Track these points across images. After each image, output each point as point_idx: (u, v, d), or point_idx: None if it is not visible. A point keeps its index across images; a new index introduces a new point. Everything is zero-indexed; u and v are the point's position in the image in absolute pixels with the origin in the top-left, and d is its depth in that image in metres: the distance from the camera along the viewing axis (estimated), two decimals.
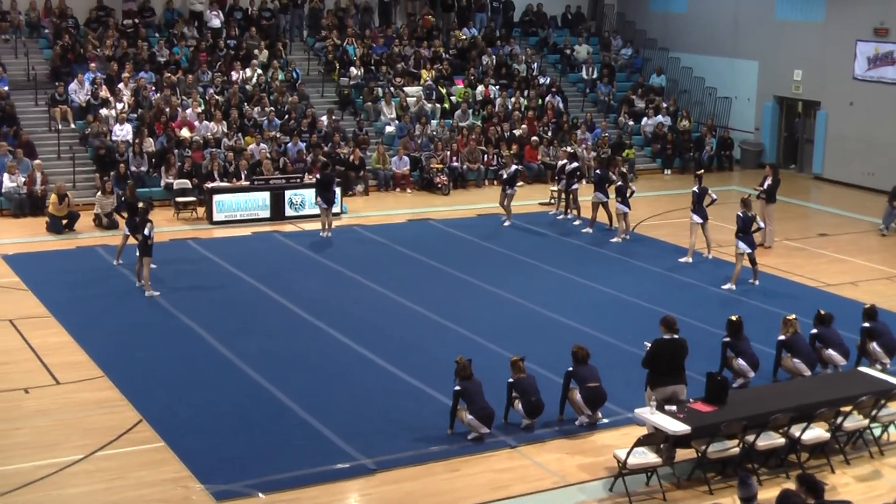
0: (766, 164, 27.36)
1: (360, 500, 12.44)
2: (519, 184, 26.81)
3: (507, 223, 25.18)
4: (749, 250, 20.44)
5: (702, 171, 24.05)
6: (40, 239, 23.40)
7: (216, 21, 32.92)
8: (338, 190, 25.21)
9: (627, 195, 23.69)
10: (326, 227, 23.91)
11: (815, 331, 16.15)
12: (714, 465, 12.92)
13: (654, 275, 21.58)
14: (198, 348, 17.00)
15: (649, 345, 13.43)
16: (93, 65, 29.59)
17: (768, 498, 10.96)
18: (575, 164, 25.66)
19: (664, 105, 34.87)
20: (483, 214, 26.49)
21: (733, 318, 15.56)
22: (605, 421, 14.40)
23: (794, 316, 15.97)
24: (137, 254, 19.70)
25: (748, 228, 20.37)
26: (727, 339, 15.47)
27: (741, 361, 15.37)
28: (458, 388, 13.78)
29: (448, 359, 16.62)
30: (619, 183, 23.98)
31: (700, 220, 22.18)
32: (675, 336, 13.32)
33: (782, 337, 15.67)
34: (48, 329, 17.75)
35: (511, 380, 14.14)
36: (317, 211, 24.30)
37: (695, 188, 22.38)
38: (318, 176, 24.59)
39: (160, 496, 12.21)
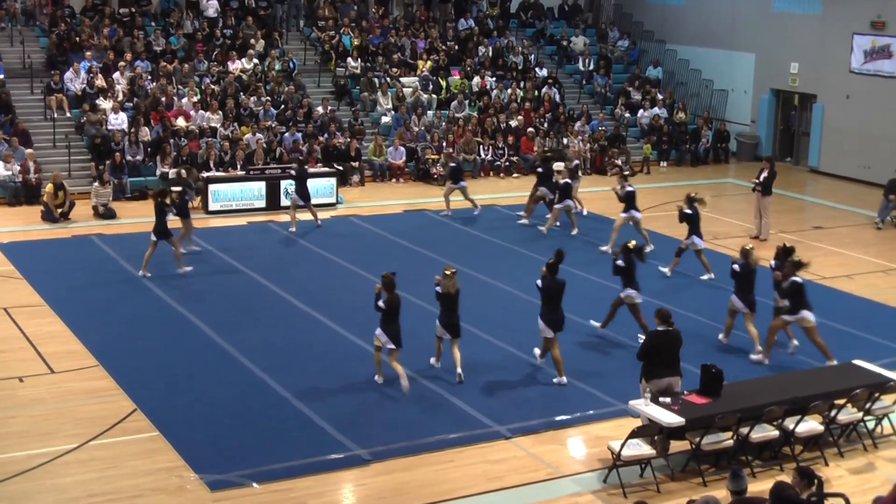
0: (762, 156, 27.44)
1: (355, 491, 12.45)
2: (514, 175, 26.68)
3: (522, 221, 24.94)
4: (703, 245, 20.49)
5: (627, 172, 24.15)
6: (35, 228, 23.37)
7: (212, 10, 32.87)
8: (331, 182, 25.08)
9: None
10: (301, 220, 23.54)
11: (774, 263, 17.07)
12: (708, 457, 12.94)
13: (648, 267, 21.52)
14: (192, 338, 17.00)
15: (642, 336, 13.46)
16: (88, 53, 29.53)
17: (762, 490, 11.00)
18: (567, 181, 24.76)
19: (660, 97, 34.86)
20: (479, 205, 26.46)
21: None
22: (594, 413, 14.44)
23: (751, 246, 17.02)
24: (181, 228, 20.61)
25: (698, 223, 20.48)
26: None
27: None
28: (380, 304, 14.72)
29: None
30: (567, 180, 23.67)
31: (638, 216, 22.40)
32: (670, 328, 13.35)
33: (736, 266, 16.57)
34: (43, 318, 17.74)
35: (438, 289, 15.18)
36: (313, 202, 24.17)
37: (622, 188, 22.34)
38: (293, 171, 24.24)
39: (154, 485, 12.21)
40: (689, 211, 20.33)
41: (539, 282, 15.16)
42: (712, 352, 15.97)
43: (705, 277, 20.70)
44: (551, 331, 15.11)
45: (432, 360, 15.80)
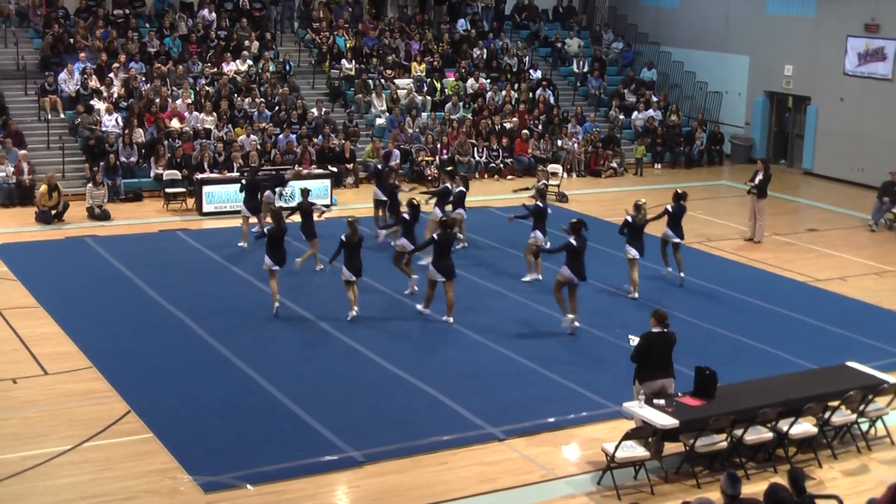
0: (756, 158, 27.39)
1: (348, 493, 12.44)
2: (509, 177, 26.55)
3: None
4: (544, 243, 20.22)
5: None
6: (29, 229, 23.33)
7: (207, 12, 32.82)
8: (325, 183, 24.82)
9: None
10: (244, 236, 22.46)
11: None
12: (702, 459, 12.94)
13: (641, 268, 21.52)
14: (186, 339, 16.97)
15: (633, 338, 13.44)
16: (83, 55, 29.50)
17: (756, 491, 11.00)
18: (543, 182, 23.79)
19: (655, 99, 34.88)
20: (471, 207, 26.39)
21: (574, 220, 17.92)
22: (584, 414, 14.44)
23: (643, 201, 19.58)
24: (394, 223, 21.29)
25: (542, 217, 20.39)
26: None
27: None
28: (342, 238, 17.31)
29: (437, 351, 16.70)
30: (460, 188, 22.42)
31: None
32: (665, 330, 13.32)
33: (629, 218, 19.21)
34: (37, 319, 17.70)
35: (343, 238, 17.29)
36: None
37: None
38: (244, 181, 22.99)
39: (148, 487, 12.19)
40: (540, 204, 20.33)
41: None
42: (706, 354, 15.94)
43: (528, 279, 20.45)
44: (441, 276, 17.59)
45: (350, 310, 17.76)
